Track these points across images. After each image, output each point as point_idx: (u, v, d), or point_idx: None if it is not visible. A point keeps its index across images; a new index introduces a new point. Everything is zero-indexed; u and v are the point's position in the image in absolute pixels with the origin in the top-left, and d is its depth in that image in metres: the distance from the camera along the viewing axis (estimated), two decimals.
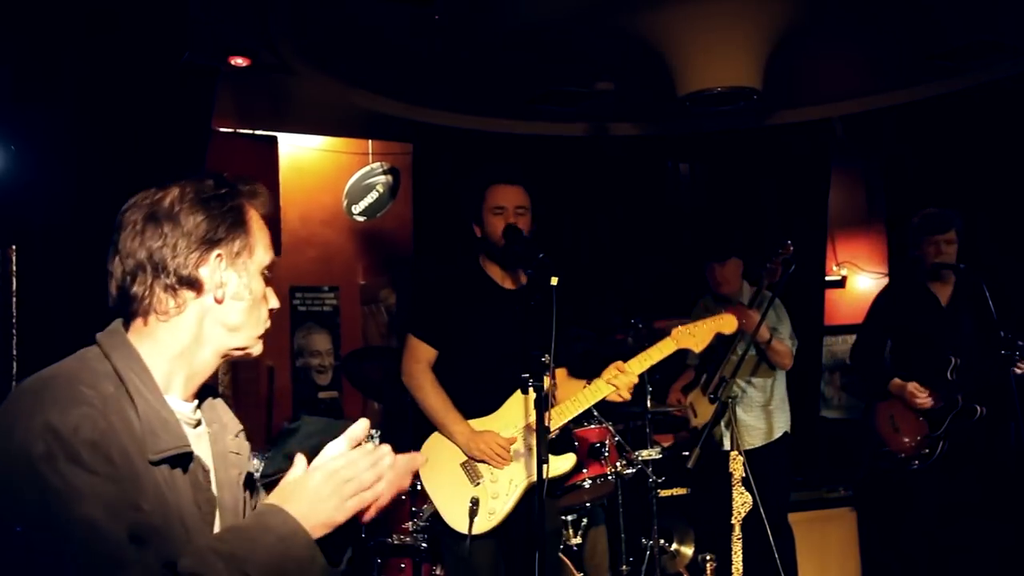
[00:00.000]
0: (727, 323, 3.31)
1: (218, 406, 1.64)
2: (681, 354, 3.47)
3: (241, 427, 1.68)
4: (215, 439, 1.59)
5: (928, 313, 4.35)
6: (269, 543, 1.35)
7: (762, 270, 4.35)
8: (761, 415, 4.58)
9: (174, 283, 1.48)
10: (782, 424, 4.61)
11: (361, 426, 1.49)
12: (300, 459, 1.48)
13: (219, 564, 1.32)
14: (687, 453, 4.34)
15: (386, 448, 1.49)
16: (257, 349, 1.60)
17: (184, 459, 1.46)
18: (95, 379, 1.41)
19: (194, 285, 1.49)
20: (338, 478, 1.42)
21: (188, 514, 1.44)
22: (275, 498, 1.43)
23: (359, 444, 1.48)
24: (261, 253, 1.57)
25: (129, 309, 1.50)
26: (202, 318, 1.52)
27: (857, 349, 4.69)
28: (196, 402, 1.57)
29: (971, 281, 4.13)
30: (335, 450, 1.46)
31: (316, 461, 1.46)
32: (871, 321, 4.63)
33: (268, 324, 1.61)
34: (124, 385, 1.43)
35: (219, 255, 1.51)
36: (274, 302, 1.62)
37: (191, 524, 1.44)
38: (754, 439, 4.54)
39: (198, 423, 1.57)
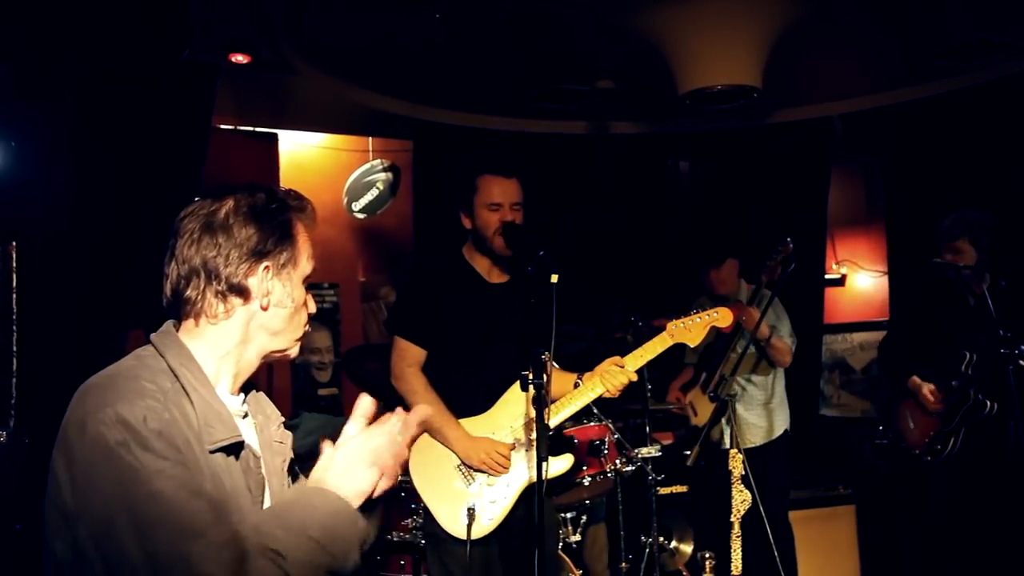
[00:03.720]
0: (722, 317, 3.25)
1: (261, 399, 1.77)
2: (678, 352, 3.44)
3: (283, 418, 1.80)
4: (260, 429, 1.72)
5: (956, 310, 4.39)
6: (318, 519, 1.47)
7: (762, 268, 4.35)
8: (762, 413, 4.58)
9: (224, 290, 1.60)
10: (782, 422, 4.62)
11: (367, 401, 1.64)
12: (327, 447, 1.62)
13: (281, 534, 1.45)
14: (687, 452, 4.34)
15: (395, 416, 1.64)
16: (295, 351, 1.73)
17: (236, 447, 1.58)
18: (154, 375, 1.53)
19: (243, 293, 1.61)
20: (361, 451, 1.57)
21: (241, 497, 1.56)
22: (312, 481, 1.56)
23: (372, 418, 1.63)
24: (304, 264, 1.69)
25: (181, 310, 1.63)
26: (248, 322, 1.64)
27: (885, 346, 4.73)
28: (242, 395, 1.70)
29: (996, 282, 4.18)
30: (353, 429, 1.61)
31: (339, 441, 1.60)
32: (900, 318, 4.66)
33: (307, 328, 1.74)
34: (179, 381, 1.54)
35: (267, 266, 1.63)
36: (312, 307, 1.74)
37: (244, 506, 1.55)
38: (755, 437, 4.55)
39: (245, 414, 1.69)
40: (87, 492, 1.42)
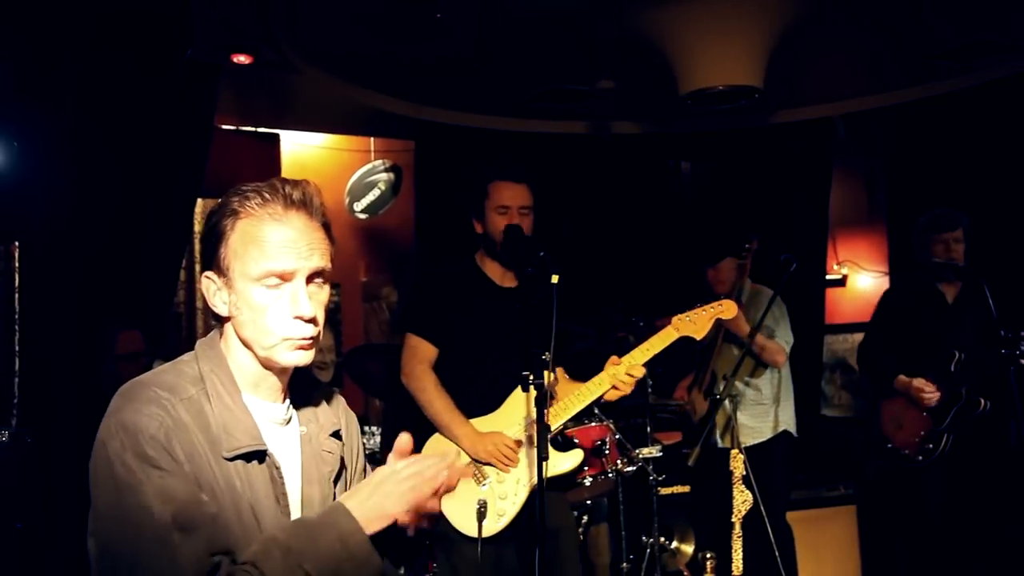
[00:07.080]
0: (727, 309, 3.27)
1: (319, 408, 1.73)
2: (683, 351, 3.43)
3: (337, 427, 1.75)
4: (310, 438, 1.68)
5: (935, 311, 4.38)
6: (329, 540, 1.43)
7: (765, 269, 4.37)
8: (754, 413, 4.53)
9: (208, 306, 1.63)
10: (779, 423, 4.54)
11: (405, 438, 1.62)
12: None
13: (276, 554, 1.42)
14: (687, 451, 4.34)
15: (449, 460, 1.62)
16: (280, 357, 1.57)
17: (261, 455, 1.56)
18: (178, 381, 1.54)
19: (210, 307, 1.61)
20: (399, 475, 1.53)
21: (264, 507, 1.54)
22: (343, 496, 1.53)
23: (408, 454, 1.59)
24: (248, 264, 1.54)
25: None
26: (231, 333, 1.61)
27: (864, 348, 4.70)
28: (287, 402, 1.66)
29: (973, 281, 4.17)
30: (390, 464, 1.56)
31: (378, 470, 1.57)
32: (878, 320, 4.65)
33: (289, 333, 1.56)
34: (205, 386, 1.55)
35: (208, 277, 1.60)
36: (297, 309, 1.56)
37: (267, 516, 1.54)
38: (745, 437, 4.49)
39: (288, 421, 1.66)
40: (96, 495, 1.45)
